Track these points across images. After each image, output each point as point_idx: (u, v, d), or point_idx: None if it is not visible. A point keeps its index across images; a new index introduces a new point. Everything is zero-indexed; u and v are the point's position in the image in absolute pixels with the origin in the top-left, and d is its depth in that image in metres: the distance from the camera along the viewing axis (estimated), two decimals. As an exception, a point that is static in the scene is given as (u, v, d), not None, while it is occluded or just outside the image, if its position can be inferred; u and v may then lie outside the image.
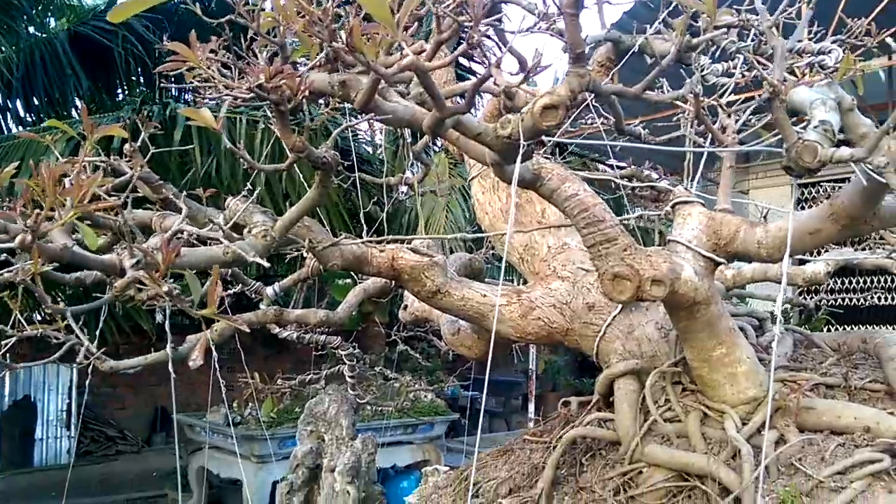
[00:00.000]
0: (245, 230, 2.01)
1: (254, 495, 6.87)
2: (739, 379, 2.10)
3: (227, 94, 1.69)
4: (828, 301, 4.02)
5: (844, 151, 1.22)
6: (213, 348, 3.02)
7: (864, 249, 3.66)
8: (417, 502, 2.83)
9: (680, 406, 2.21)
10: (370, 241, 2.65)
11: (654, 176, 3.38)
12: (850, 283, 6.94)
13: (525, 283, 3.19)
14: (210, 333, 3.08)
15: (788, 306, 5.82)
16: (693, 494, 2.05)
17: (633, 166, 3.41)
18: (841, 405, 2.02)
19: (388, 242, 2.73)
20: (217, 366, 3.33)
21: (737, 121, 2.41)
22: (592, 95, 3.03)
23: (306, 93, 1.47)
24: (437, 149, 9.12)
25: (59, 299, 2.84)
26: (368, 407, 7.34)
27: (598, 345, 2.62)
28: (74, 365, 2.35)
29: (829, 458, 1.87)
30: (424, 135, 2.50)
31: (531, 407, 10.76)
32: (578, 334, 2.72)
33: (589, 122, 3.53)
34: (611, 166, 5.23)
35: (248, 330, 3.15)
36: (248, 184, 2.26)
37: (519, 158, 1.55)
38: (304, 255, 4.27)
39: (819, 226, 1.86)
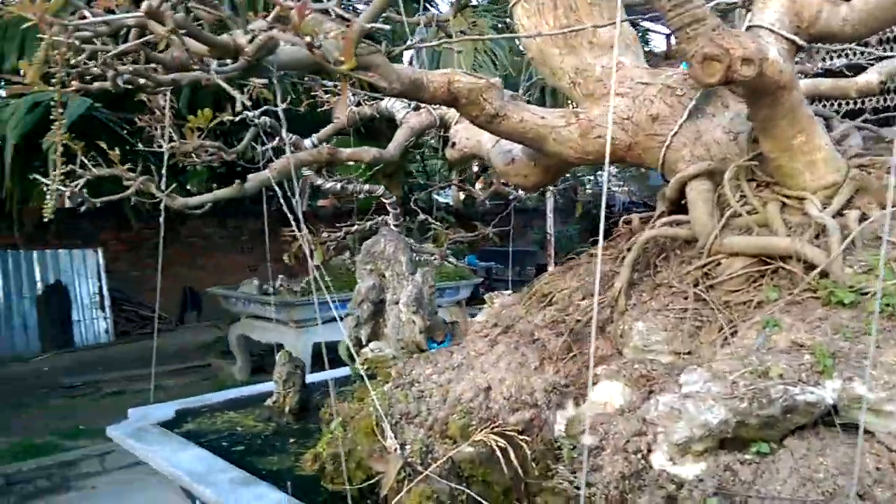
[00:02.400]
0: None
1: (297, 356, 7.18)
2: (819, 165, 2.13)
3: None
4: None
5: None
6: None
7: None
8: (488, 319, 2.95)
9: (756, 199, 2.25)
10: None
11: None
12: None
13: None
14: (270, 172, 3.10)
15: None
16: (776, 276, 2.12)
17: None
18: (922, 180, 2.05)
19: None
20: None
21: None
22: None
23: None
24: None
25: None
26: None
27: (664, 155, 2.63)
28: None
29: (913, 228, 1.92)
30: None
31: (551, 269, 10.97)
32: (642, 148, 2.73)
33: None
34: None
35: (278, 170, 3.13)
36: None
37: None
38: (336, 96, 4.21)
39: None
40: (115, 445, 6.27)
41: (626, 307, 2.40)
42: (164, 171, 2.76)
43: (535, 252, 15.97)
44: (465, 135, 3.45)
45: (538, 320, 2.66)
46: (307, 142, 4.08)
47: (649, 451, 1.91)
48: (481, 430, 2.34)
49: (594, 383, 2.33)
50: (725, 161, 2.45)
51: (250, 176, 3.02)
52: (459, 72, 2.70)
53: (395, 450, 2.38)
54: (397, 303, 3.51)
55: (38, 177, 2.50)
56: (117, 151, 2.83)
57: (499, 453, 2.23)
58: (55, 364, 8.92)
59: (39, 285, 9.45)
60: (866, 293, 1.84)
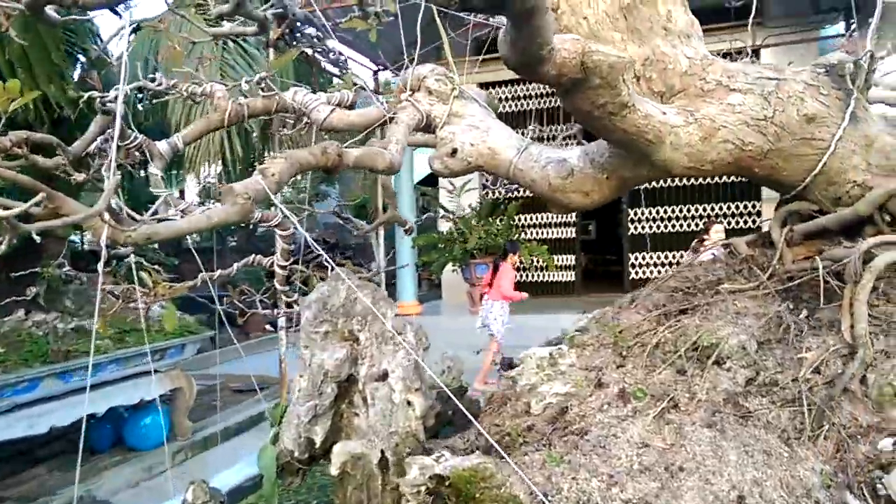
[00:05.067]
0: None
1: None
2: None
3: None
4: None
5: None
6: None
7: None
8: (579, 391, 2.08)
9: None
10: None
11: None
12: None
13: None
14: (265, 180, 1.83)
15: None
16: None
17: None
18: None
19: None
20: None
21: None
22: None
23: None
24: None
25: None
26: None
27: (824, 163, 2.17)
28: None
29: None
30: None
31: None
32: (785, 155, 2.23)
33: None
34: None
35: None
36: None
37: None
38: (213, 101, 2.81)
39: None
40: None
41: (874, 356, 1.84)
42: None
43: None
44: (468, 139, 2.51)
45: (728, 386, 1.92)
46: (163, 145, 2.62)
47: None
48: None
49: (885, 467, 1.70)
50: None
51: (238, 185, 1.66)
52: (594, 43, 1.91)
53: None
54: (381, 378, 2.36)
55: None
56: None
57: None
58: None
59: None
60: None
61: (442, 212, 10.66)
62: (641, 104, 2.04)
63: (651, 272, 10.63)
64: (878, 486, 1.67)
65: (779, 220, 2.33)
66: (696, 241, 6.74)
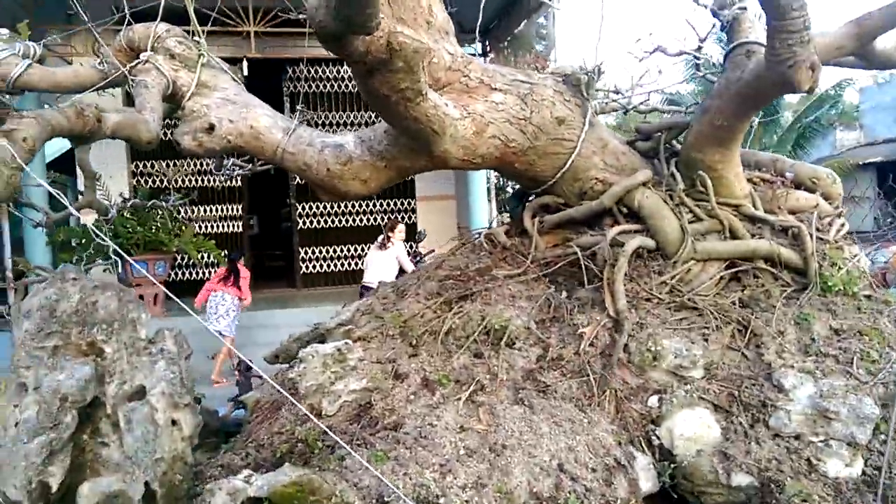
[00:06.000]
0: None
1: None
2: (741, 177, 2.45)
3: None
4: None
5: None
6: None
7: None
8: (342, 384, 2.04)
9: (700, 208, 2.39)
10: None
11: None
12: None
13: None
14: (8, 141, 1.50)
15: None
16: (746, 276, 2.31)
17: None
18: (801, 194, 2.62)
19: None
20: None
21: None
22: None
23: None
24: None
25: None
26: None
27: (572, 161, 2.44)
28: None
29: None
30: None
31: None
32: (540, 153, 2.46)
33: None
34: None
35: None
36: None
37: None
38: None
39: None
40: None
41: (632, 328, 2.15)
42: None
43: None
44: (226, 115, 2.26)
45: (524, 364, 2.04)
46: None
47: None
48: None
49: (655, 420, 2.00)
50: (633, 171, 2.48)
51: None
52: (399, 27, 1.92)
53: None
54: (137, 396, 1.99)
55: None
56: None
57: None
58: None
59: None
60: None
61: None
62: (432, 94, 2.07)
63: (323, 266, 10.80)
64: (653, 437, 1.97)
65: (530, 212, 2.57)
66: (383, 237, 7.15)
